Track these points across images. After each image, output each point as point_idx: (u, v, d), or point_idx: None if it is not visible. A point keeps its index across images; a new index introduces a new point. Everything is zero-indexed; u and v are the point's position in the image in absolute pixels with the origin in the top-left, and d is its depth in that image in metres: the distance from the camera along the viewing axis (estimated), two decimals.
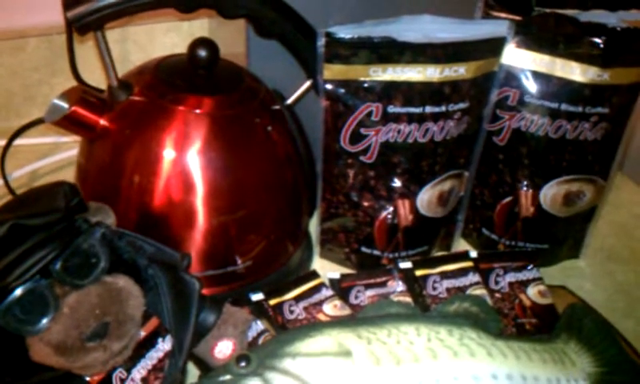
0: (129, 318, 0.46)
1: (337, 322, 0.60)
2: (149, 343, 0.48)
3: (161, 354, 0.49)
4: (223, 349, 0.54)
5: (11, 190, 0.76)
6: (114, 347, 0.45)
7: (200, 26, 0.93)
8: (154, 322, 0.49)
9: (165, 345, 0.49)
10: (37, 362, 0.44)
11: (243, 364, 0.49)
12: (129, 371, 0.47)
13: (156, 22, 0.92)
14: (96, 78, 0.65)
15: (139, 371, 0.48)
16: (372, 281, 0.67)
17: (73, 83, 0.63)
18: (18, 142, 0.76)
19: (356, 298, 0.65)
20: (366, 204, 0.68)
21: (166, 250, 0.53)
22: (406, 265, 0.67)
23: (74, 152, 0.73)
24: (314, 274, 0.67)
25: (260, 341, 0.58)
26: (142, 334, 0.48)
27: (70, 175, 0.67)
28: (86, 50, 0.82)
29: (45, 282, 0.44)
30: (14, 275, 0.42)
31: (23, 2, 0.87)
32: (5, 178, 0.75)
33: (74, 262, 0.44)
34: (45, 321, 0.43)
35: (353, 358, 0.51)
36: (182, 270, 0.52)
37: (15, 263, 0.42)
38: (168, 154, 0.59)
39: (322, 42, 0.61)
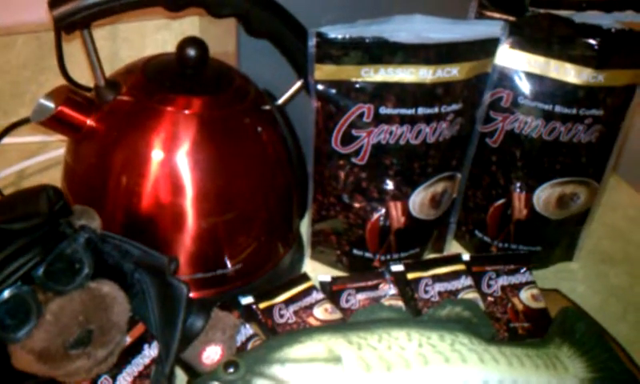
0: (113, 324, 0.45)
1: (327, 327, 0.59)
2: (134, 349, 0.48)
3: (147, 361, 0.48)
4: (211, 354, 0.54)
5: None
6: (98, 354, 0.44)
7: (191, 23, 0.92)
8: (139, 328, 0.48)
9: (151, 351, 0.49)
10: (19, 370, 0.43)
11: (231, 370, 0.49)
12: (114, 378, 0.47)
13: (147, 19, 0.91)
14: (86, 76, 0.64)
15: (125, 378, 0.47)
16: (363, 284, 0.66)
17: (62, 81, 0.62)
18: (4, 141, 0.75)
19: (347, 301, 0.65)
20: (357, 206, 0.68)
21: (153, 253, 0.52)
22: (397, 268, 0.67)
23: (61, 151, 0.72)
24: (305, 277, 0.66)
25: (249, 345, 0.58)
26: (128, 340, 0.48)
27: (57, 175, 0.66)
28: (76, 48, 0.81)
29: (27, 288, 0.43)
30: None
31: (11, 0, 0.86)
32: None
33: (57, 268, 0.44)
34: (27, 328, 0.43)
35: (343, 364, 0.51)
36: (169, 274, 0.52)
37: None
38: (156, 155, 0.58)
39: (313, 41, 0.60)
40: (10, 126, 0.72)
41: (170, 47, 0.62)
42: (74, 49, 0.71)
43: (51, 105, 0.58)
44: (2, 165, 0.80)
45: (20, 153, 0.83)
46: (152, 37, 0.93)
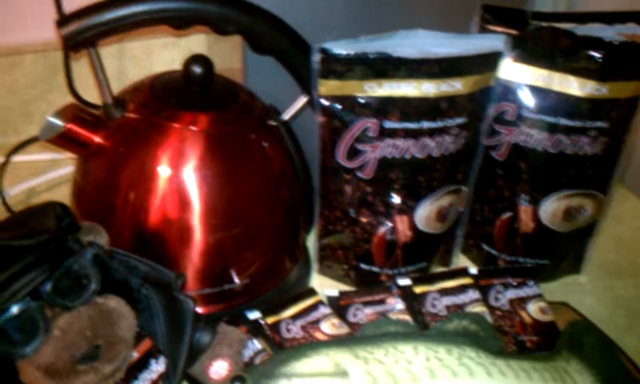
0: (120, 339, 0.45)
1: (333, 342, 0.59)
2: (142, 365, 0.48)
3: (154, 376, 0.48)
4: (219, 369, 0.54)
5: (8, 207, 0.75)
6: (105, 370, 0.44)
7: (197, 41, 0.93)
8: (147, 343, 0.48)
9: (158, 366, 0.49)
10: None
11: None
12: None
13: (153, 37, 0.92)
14: (94, 94, 0.65)
15: None
16: (370, 298, 0.66)
17: (70, 99, 0.62)
18: (15, 158, 0.76)
19: (354, 315, 0.65)
20: (364, 220, 0.68)
21: (160, 269, 0.52)
22: (404, 282, 0.67)
23: (71, 169, 0.73)
24: (312, 292, 0.67)
25: (256, 360, 0.58)
26: (135, 355, 0.48)
27: (67, 192, 0.67)
28: (84, 66, 0.82)
29: (35, 303, 0.43)
30: (4, 297, 0.42)
31: (19, 19, 0.87)
32: (2, 194, 0.75)
33: (65, 284, 0.44)
34: (35, 343, 0.43)
35: (349, 378, 0.51)
36: (176, 290, 0.52)
37: (5, 285, 0.42)
38: (163, 171, 0.58)
39: (317, 57, 0.60)
40: (20, 144, 0.73)
41: (178, 65, 0.63)
42: (81, 67, 0.72)
43: (59, 123, 0.59)
44: (13, 182, 0.80)
45: (30, 170, 0.84)
46: (159, 55, 0.94)
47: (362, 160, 0.64)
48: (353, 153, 0.64)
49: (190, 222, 0.59)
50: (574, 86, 0.64)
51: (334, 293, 0.68)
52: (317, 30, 0.62)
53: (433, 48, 0.61)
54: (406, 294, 0.66)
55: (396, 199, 0.66)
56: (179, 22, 0.58)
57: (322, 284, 0.72)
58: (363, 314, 0.65)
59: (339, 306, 0.66)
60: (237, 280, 0.63)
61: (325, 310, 0.64)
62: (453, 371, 0.52)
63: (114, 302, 0.46)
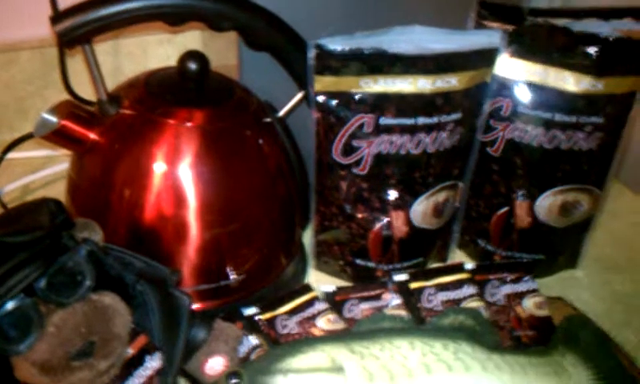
0: (115, 336, 0.45)
1: (329, 337, 0.59)
2: (137, 361, 0.48)
3: (149, 372, 0.48)
4: (214, 365, 0.54)
5: (3, 204, 0.75)
6: (100, 366, 0.44)
7: (193, 37, 0.93)
8: (142, 340, 0.48)
9: (153, 362, 0.49)
10: (22, 382, 0.43)
11: (234, 380, 0.49)
12: None
13: (149, 34, 0.92)
14: (89, 90, 0.65)
15: None
16: (366, 294, 0.66)
17: (66, 96, 0.62)
18: (9, 155, 0.76)
19: (350, 311, 0.65)
20: (359, 216, 0.68)
21: (156, 265, 0.52)
22: (400, 277, 0.67)
23: (66, 165, 0.73)
24: (308, 288, 0.67)
25: (252, 356, 0.58)
26: (130, 351, 0.47)
27: (62, 189, 0.66)
28: (80, 63, 0.82)
29: (29, 300, 0.43)
30: None
31: (15, 16, 0.87)
32: None
33: (59, 280, 0.44)
34: (29, 340, 0.43)
35: (345, 373, 0.51)
36: (171, 286, 0.52)
37: None
38: (158, 167, 0.58)
39: (312, 53, 0.60)
40: (15, 141, 0.73)
41: (173, 61, 0.63)
42: (77, 64, 0.72)
43: (54, 119, 0.59)
44: (8, 179, 0.80)
45: (25, 167, 0.84)
46: (155, 51, 0.93)
47: (357, 156, 0.64)
48: (348, 149, 0.64)
49: (186, 218, 0.59)
50: (569, 81, 0.64)
51: (330, 288, 0.67)
52: (313, 26, 0.62)
53: (429, 44, 0.61)
54: (402, 289, 0.66)
55: (392, 195, 0.66)
56: (174, 19, 0.58)
57: (317, 280, 0.72)
58: (359, 309, 0.65)
59: (335, 302, 0.66)
60: (233, 276, 0.63)
61: (321, 305, 0.64)
62: (449, 366, 0.53)
63: (108, 299, 0.46)
